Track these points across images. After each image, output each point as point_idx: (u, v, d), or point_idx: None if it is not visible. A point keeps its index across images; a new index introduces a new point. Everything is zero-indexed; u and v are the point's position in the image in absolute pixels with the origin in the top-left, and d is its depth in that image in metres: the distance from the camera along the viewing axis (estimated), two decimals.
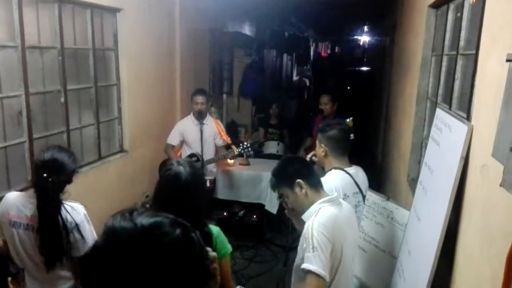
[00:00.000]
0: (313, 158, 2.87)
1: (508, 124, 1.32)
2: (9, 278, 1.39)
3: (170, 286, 0.80)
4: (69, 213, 2.14)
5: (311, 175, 2.11)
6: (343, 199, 2.55)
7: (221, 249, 2.01)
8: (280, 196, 2.15)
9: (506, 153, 1.25)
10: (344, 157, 2.69)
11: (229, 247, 2.07)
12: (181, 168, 1.98)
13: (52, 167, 2.09)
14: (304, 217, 2.06)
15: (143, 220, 0.83)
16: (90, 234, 2.19)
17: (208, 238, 1.96)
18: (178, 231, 0.83)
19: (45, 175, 2.06)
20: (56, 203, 2.11)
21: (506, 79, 1.39)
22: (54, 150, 2.18)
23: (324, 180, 2.51)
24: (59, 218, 2.10)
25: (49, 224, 2.09)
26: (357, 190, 2.70)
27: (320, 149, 2.67)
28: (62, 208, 2.14)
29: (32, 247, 2.15)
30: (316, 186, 2.10)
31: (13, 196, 2.22)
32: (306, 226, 1.95)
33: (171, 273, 0.79)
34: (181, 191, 1.96)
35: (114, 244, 0.80)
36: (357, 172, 2.71)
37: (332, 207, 2.02)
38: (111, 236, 0.81)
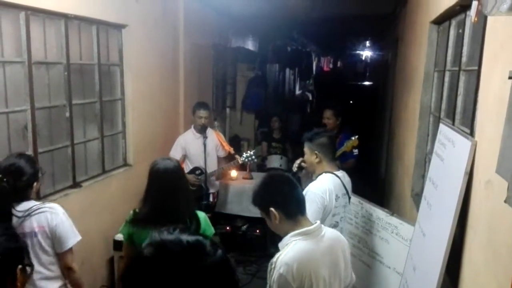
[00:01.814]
0: (302, 164, 2.98)
1: (511, 140, 1.33)
2: (20, 266, 1.42)
3: None
4: (48, 214, 2.31)
5: (288, 203, 1.97)
6: (335, 200, 2.68)
7: (206, 231, 2.44)
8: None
9: (510, 170, 1.26)
10: (333, 162, 2.89)
11: (212, 230, 2.55)
12: (167, 162, 2.46)
13: (9, 171, 2.22)
14: (279, 246, 1.99)
15: (188, 237, 0.89)
16: (71, 229, 2.39)
17: (197, 222, 2.43)
18: (219, 251, 0.89)
19: (0, 175, 2.17)
20: (9, 207, 2.21)
21: (508, 96, 1.40)
22: (12, 156, 2.38)
23: (318, 182, 2.70)
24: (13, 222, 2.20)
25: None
26: (345, 191, 2.83)
27: (313, 156, 2.80)
28: (43, 210, 2.29)
29: None
30: (293, 215, 1.96)
31: None
32: (273, 257, 1.89)
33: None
34: (172, 180, 2.39)
35: (163, 256, 0.86)
36: (344, 175, 2.87)
37: (306, 241, 1.90)
38: (161, 248, 0.87)
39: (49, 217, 2.31)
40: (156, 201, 2.39)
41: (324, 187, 2.64)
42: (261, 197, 2.03)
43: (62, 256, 2.37)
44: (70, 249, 2.39)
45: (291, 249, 1.88)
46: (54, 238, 2.32)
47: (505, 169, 1.36)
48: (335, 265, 1.97)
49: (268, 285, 1.91)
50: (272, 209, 1.95)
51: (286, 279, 1.80)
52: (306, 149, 2.84)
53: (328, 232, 2.04)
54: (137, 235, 2.40)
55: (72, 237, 2.38)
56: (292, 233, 1.93)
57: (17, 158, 2.34)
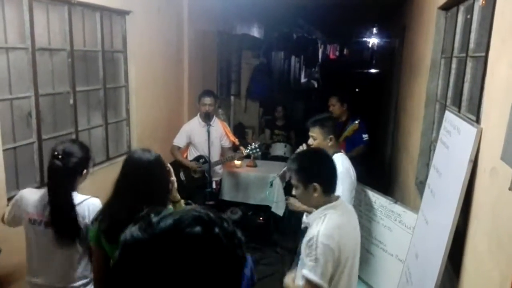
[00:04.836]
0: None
1: None
2: None
3: (202, 280, 0.77)
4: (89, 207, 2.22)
5: (330, 180, 2.05)
6: (354, 175, 2.84)
7: None
8: (294, 182, 2.10)
9: None
10: (337, 143, 3.06)
11: None
12: (145, 153, 2.07)
13: (63, 152, 2.12)
14: (309, 218, 2.09)
15: (162, 222, 0.80)
16: None
17: None
18: (198, 228, 0.79)
19: (56, 153, 2.09)
20: (66, 191, 2.13)
21: None
22: (67, 141, 2.31)
23: (343, 161, 2.82)
24: (72, 209, 2.14)
25: (60, 215, 2.12)
26: None
27: (327, 140, 2.93)
28: (80, 202, 2.19)
29: (50, 244, 2.14)
30: (329, 191, 2.04)
31: (29, 193, 2.23)
32: (312, 232, 1.93)
33: (198, 270, 0.77)
34: (145, 173, 2.02)
35: (131, 256, 0.78)
36: None
37: (337, 214, 1.98)
38: (127, 249, 0.79)
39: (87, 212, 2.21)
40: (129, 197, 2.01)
41: (347, 165, 2.80)
42: (309, 171, 2.04)
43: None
44: None
45: (328, 221, 1.93)
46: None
47: (509, 156, 1.34)
48: (356, 232, 2.10)
49: (305, 261, 1.89)
50: (316, 184, 1.99)
51: (330, 247, 1.86)
52: (317, 134, 2.94)
53: (350, 207, 2.19)
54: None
55: None
56: (325, 206, 2.01)
57: (70, 142, 2.28)
